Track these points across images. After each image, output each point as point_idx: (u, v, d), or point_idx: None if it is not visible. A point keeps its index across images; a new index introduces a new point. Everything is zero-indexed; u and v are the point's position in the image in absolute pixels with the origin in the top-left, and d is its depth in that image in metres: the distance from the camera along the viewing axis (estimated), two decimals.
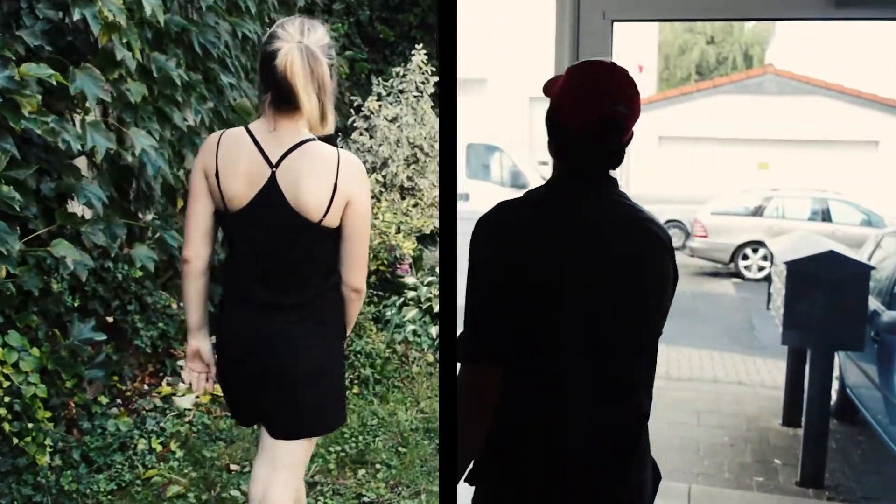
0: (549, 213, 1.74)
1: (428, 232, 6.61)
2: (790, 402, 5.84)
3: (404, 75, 7.10)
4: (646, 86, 20.70)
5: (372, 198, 6.17)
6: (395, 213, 6.41)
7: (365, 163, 6.36)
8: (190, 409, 4.27)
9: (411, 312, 5.54)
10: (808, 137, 16.44)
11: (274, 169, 2.13)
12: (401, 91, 7.07)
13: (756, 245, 12.94)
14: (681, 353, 7.77)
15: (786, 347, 5.43)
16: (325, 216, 2.12)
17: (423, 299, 5.61)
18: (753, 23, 33.33)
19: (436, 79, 6.65)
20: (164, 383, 4.47)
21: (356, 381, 4.79)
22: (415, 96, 6.99)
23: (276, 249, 2.19)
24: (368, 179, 2.21)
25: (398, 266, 5.90)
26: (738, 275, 13.01)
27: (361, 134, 6.94)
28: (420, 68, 7.02)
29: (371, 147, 6.89)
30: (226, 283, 2.37)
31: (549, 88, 1.83)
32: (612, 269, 1.72)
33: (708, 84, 18.79)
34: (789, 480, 4.98)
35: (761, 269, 12.87)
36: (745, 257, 13.05)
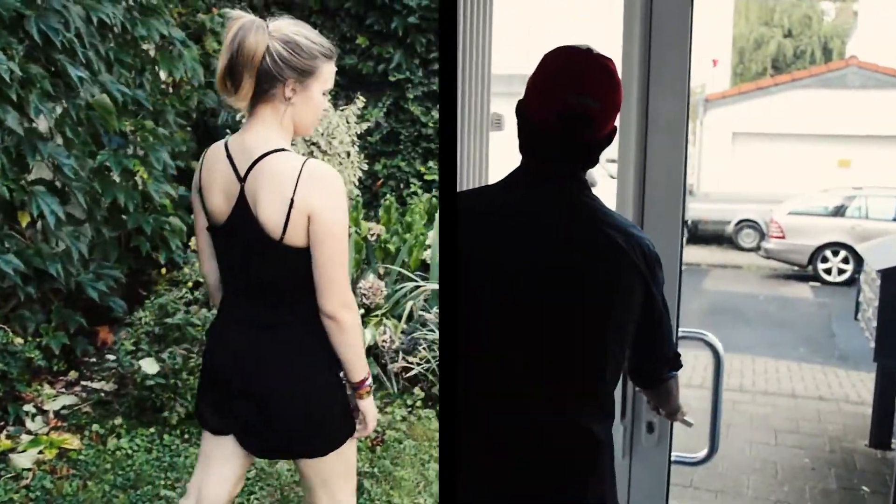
0: (496, 209, 1.68)
1: None
2: (879, 421, 5.36)
3: None
4: (719, 81, 20.04)
5: None
6: None
7: None
8: (29, 469, 3.63)
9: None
10: (892, 133, 15.62)
11: (242, 183, 2.03)
12: None
13: (836, 247, 12.30)
14: (755, 364, 7.28)
15: (871, 360, 4.95)
16: (284, 234, 1.99)
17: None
18: (834, 15, 32.15)
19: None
20: (2, 435, 3.82)
21: None
22: None
23: (251, 267, 2.09)
24: (341, 191, 2.03)
25: None
26: (816, 278, 12.38)
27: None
28: None
29: None
30: (221, 294, 2.29)
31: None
32: (556, 278, 1.63)
33: (786, 78, 18.05)
34: None
35: (841, 272, 12.24)
36: (825, 260, 12.40)
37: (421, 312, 4.82)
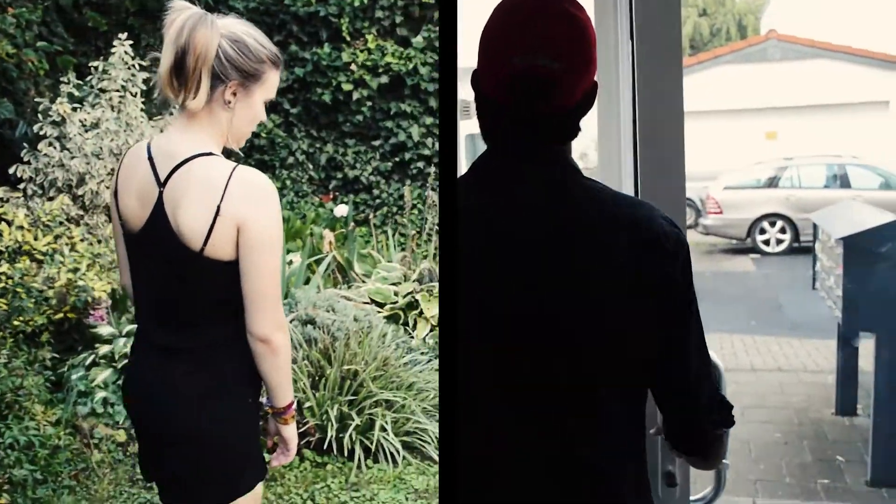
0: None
1: None
2: (843, 388, 5.37)
3: (105, 71, 5.59)
4: None
5: (68, 222, 5.13)
6: (91, 243, 5.09)
7: (55, 180, 5.28)
8: None
9: (104, 374, 4.18)
10: (815, 102, 15.95)
11: (161, 188, 1.85)
12: (101, 91, 5.58)
13: (773, 218, 12.50)
14: (710, 341, 7.19)
15: (821, 325, 4.91)
16: (205, 245, 1.81)
17: (118, 356, 4.25)
18: None
19: (145, 75, 5.57)
20: None
21: (5, 487, 3.46)
22: (119, 97, 5.60)
23: (165, 282, 1.90)
24: (275, 200, 1.88)
25: (91, 312, 4.49)
26: (755, 250, 12.54)
27: (51, 144, 5.37)
28: (125, 63, 5.59)
29: (62, 161, 5.35)
30: (136, 319, 2.09)
31: None
32: (540, 285, 1.29)
33: (709, 55, 18.26)
34: (858, 481, 4.46)
35: (780, 242, 12.44)
36: (763, 231, 12.60)
37: None
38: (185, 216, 1.80)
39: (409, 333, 5.10)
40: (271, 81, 1.93)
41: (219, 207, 1.78)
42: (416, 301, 5.32)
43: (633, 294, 1.27)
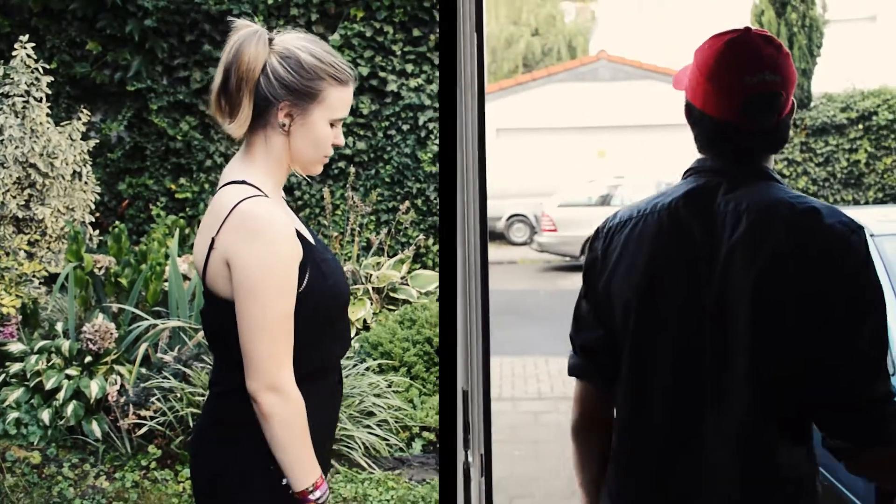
0: (684, 216, 1.58)
1: (52, 272, 5.09)
2: None
3: (7, 75, 5.35)
4: None
5: None
6: None
7: None
8: None
9: (15, 394, 4.03)
10: (644, 122, 16.32)
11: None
12: (4, 96, 5.32)
13: None
14: (550, 366, 6.95)
15: None
16: (204, 277, 1.73)
17: (30, 374, 4.07)
18: (574, 14, 33.80)
19: (49, 79, 5.31)
20: None
21: None
22: (23, 102, 5.30)
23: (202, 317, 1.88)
24: (269, 240, 1.66)
25: (0, 329, 4.31)
26: None
27: None
28: (27, 66, 5.34)
29: None
30: None
31: (679, 82, 1.68)
32: (761, 277, 1.50)
33: (543, 73, 18.40)
34: None
35: None
36: None
37: (159, 355, 4.18)
38: (196, 245, 1.77)
39: None
40: (334, 99, 1.73)
41: (213, 239, 1.68)
42: None
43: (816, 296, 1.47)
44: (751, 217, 1.51)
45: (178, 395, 3.93)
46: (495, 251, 15.32)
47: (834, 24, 13.30)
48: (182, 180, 6.90)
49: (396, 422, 4.19)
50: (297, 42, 1.74)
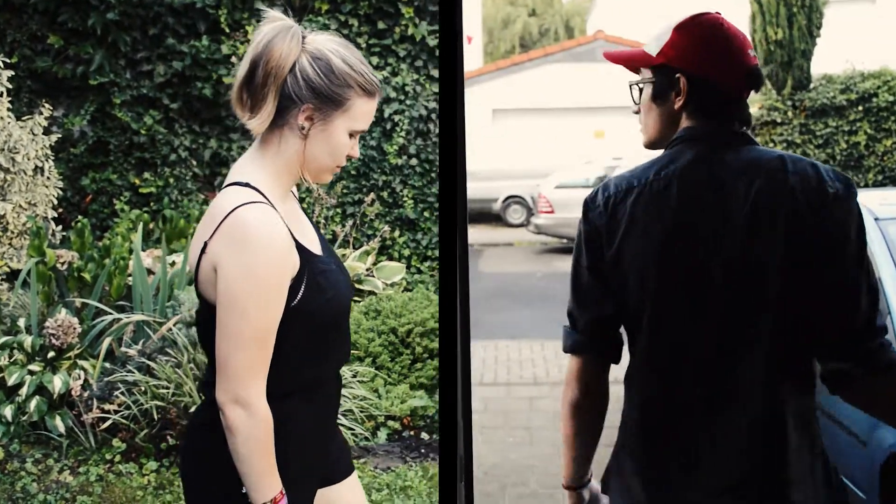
0: (689, 174, 1.65)
1: (14, 268, 4.99)
2: None
3: None
4: (473, 59, 20.02)
5: None
6: None
7: None
8: None
9: None
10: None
11: None
12: None
13: None
14: (545, 350, 6.86)
15: None
16: (196, 281, 1.68)
17: None
18: None
19: (10, 73, 5.14)
20: None
21: None
22: None
23: None
24: (252, 252, 1.59)
25: None
26: None
27: None
28: None
29: None
30: None
31: (664, 54, 1.71)
32: (760, 231, 1.59)
33: (539, 53, 18.24)
34: None
35: None
36: None
37: (124, 349, 4.20)
38: (191, 246, 1.72)
39: None
40: (358, 110, 1.68)
41: (206, 244, 1.62)
42: None
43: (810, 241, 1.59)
44: (761, 177, 1.60)
45: (143, 388, 3.96)
46: (491, 233, 15.24)
47: (833, 5, 13.15)
48: (146, 175, 6.83)
49: (361, 411, 4.24)
50: (331, 45, 1.68)
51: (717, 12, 1.73)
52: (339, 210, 6.95)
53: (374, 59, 7.07)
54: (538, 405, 5.42)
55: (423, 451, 4.28)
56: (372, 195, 6.51)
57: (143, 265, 4.56)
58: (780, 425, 1.60)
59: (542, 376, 6.12)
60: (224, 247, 1.59)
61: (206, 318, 1.68)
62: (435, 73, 7.34)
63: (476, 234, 15.06)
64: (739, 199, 1.59)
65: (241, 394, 1.57)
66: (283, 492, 1.64)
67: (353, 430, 4.10)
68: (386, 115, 7.03)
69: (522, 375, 6.16)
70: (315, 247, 1.73)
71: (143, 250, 4.89)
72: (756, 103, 12.72)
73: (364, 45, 7.02)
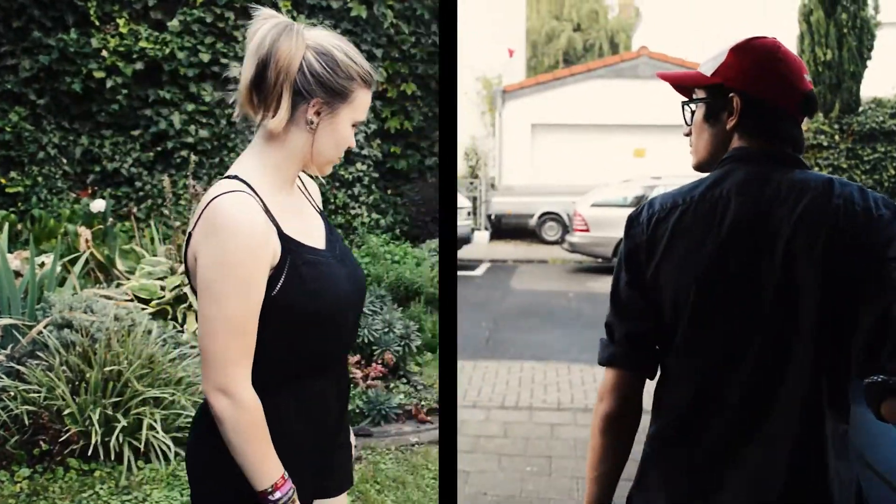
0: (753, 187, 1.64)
1: None
2: None
3: None
4: (515, 73, 19.87)
5: None
6: None
7: None
8: None
9: None
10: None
11: None
12: None
13: None
14: (571, 374, 6.65)
15: None
16: (188, 275, 1.74)
17: None
18: (617, 10, 33.31)
19: None
20: None
21: None
22: None
23: None
24: (223, 239, 1.62)
25: None
26: None
27: None
28: None
29: None
30: None
31: (719, 73, 1.71)
32: (826, 253, 1.57)
33: (582, 68, 18.03)
34: None
35: None
36: None
37: None
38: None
39: (179, 328, 5.06)
40: (360, 102, 1.76)
41: (190, 234, 1.69)
42: (185, 294, 5.28)
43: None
44: (807, 197, 1.59)
45: (13, 393, 3.89)
46: (526, 249, 15.04)
47: (886, 27, 12.80)
48: (13, 174, 6.73)
49: None
50: (331, 40, 1.73)
51: (773, 37, 1.76)
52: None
53: None
54: (560, 433, 5.21)
55: None
56: None
57: (10, 267, 4.51)
58: (820, 450, 1.59)
59: (567, 402, 5.91)
60: (201, 236, 1.63)
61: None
62: None
63: (510, 250, 14.87)
64: (784, 219, 1.59)
65: (222, 382, 1.61)
66: (286, 476, 1.66)
67: None
68: None
69: (546, 400, 5.95)
70: (310, 239, 1.75)
71: (10, 252, 4.86)
72: (802, 126, 12.41)
73: (241, 39, 6.95)
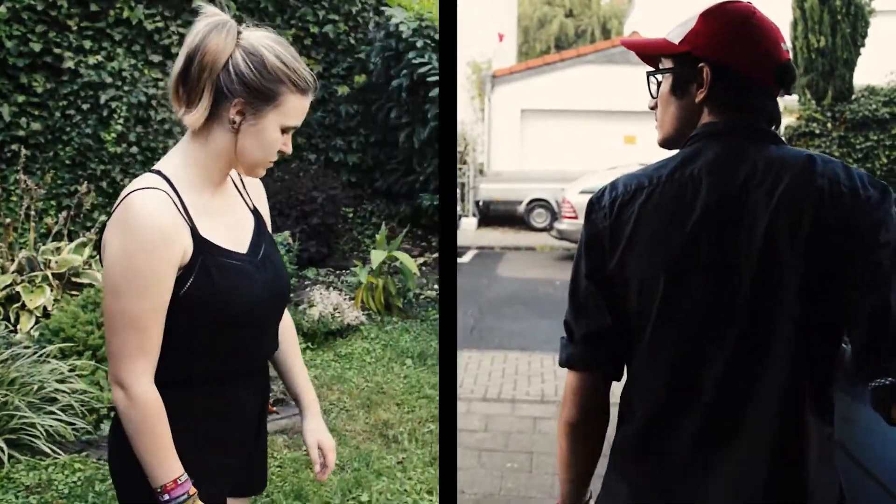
0: (720, 168, 1.50)
1: None
2: None
3: None
4: (506, 58, 19.66)
5: None
6: None
7: None
8: None
9: None
10: None
11: None
12: None
13: None
14: (556, 365, 6.47)
15: None
16: (102, 263, 1.70)
17: None
18: None
19: None
20: None
21: None
22: None
23: None
24: (125, 233, 1.60)
25: None
26: None
27: None
28: None
29: None
30: None
31: (689, 41, 1.57)
32: (808, 235, 1.43)
33: (572, 53, 17.81)
34: None
35: None
36: None
37: None
38: None
39: (11, 328, 5.00)
40: (291, 107, 1.70)
41: (104, 225, 1.69)
42: (18, 293, 5.21)
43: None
44: (787, 177, 1.46)
45: None
46: (514, 236, 14.87)
47: (880, 15, 12.63)
48: None
49: (82, 405, 4.21)
50: (265, 41, 1.69)
51: (748, 2, 1.60)
52: (53, 203, 6.69)
53: (87, 43, 6.80)
54: (542, 426, 5.05)
55: None
56: (87, 185, 6.26)
57: None
58: (801, 454, 1.46)
59: (551, 394, 5.75)
60: (109, 229, 1.63)
61: None
62: (154, 58, 7.08)
63: (498, 237, 14.71)
64: (762, 201, 1.45)
65: (119, 375, 1.62)
66: (182, 479, 1.64)
67: (74, 424, 4.08)
68: (102, 101, 6.77)
69: (529, 392, 5.79)
70: (231, 242, 1.72)
71: None
72: (794, 113, 12.28)
73: (75, 28, 6.74)
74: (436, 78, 7.65)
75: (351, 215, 8.58)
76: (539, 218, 15.40)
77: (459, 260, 12.32)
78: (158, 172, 1.67)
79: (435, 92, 7.72)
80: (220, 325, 1.69)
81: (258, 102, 1.66)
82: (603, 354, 1.57)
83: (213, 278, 1.66)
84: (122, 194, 1.63)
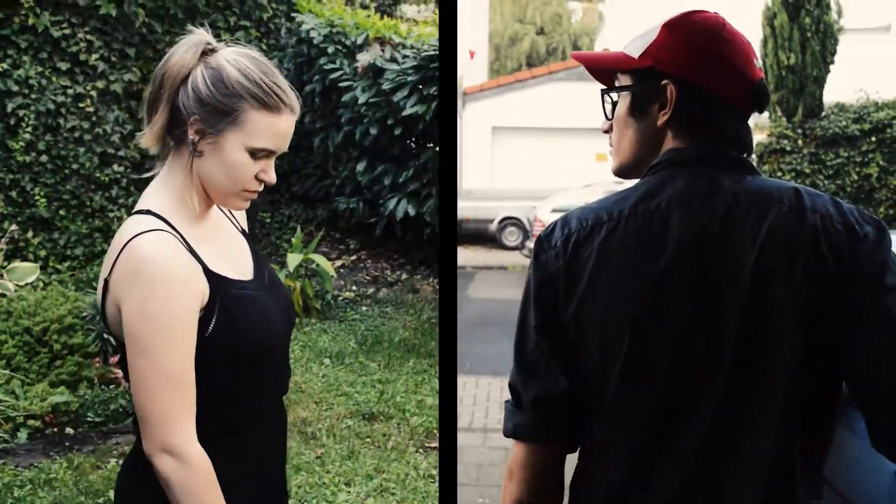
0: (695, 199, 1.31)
1: None
2: None
3: None
4: (477, 75, 19.61)
5: None
6: None
7: None
8: None
9: None
10: None
11: None
12: None
13: None
14: None
15: None
16: (106, 323, 1.56)
17: None
18: (581, 14, 33.26)
19: None
20: None
21: None
22: None
23: None
24: (149, 287, 1.44)
25: None
26: None
27: None
28: None
29: None
30: None
31: (650, 55, 1.38)
32: (802, 277, 1.24)
33: (543, 70, 17.80)
34: None
35: None
36: None
37: None
38: (99, 283, 1.60)
39: None
40: (254, 125, 1.51)
41: (107, 280, 1.51)
42: None
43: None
44: (773, 212, 1.28)
45: None
46: (486, 255, 14.73)
47: (849, 33, 12.68)
48: None
49: None
50: (231, 56, 1.55)
51: (716, 13, 1.40)
52: None
53: None
54: None
55: (67, 444, 4.30)
56: None
57: None
58: None
59: None
60: (122, 283, 1.48)
61: (122, 358, 1.54)
62: (62, 65, 6.94)
63: (469, 256, 14.56)
64: (746, 238, 1.27)
65: (168, 442, 1.45)
66: None
67: None
68: (9, 109, 6.66)
69: (501, 419, 5.61)
70: (236, 271, 1.60)
71: None
72: (765, 130, 12.27)
73: None
74: (348, 83, 7.82)
75: (268, 220, 8.57)
76: (511, 236, 15.28)
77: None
78: (148, 212, 1.52)
79: (347, 97, 7.84)
80: (245, 363, 1.56)
81: (216, 120, 1.50)
82: (556, 423, 1.35)
83: (235, 314, 1.53)
84: (119, 242, 1.48)
